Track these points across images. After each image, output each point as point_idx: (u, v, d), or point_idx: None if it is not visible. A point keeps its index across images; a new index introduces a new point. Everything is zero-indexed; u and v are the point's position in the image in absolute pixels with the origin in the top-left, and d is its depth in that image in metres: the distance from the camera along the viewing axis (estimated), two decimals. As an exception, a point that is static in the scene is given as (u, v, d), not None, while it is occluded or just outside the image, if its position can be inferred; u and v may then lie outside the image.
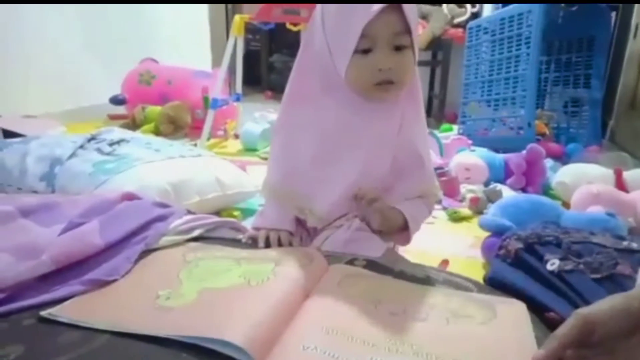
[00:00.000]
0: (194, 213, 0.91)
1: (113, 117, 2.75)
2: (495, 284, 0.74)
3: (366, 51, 0.77)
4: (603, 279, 0.67)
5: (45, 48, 2.50)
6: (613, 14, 2.46)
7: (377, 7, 0.73)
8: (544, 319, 0.64)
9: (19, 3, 2.34)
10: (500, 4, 2.60)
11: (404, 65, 0.79)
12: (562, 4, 2.26)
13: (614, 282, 0.66)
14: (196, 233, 0.84)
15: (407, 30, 0.77)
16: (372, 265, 0.73)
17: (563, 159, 1.98)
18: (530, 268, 0.74)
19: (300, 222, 0.93)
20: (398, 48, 0.77)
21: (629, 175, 1.41)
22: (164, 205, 0.88)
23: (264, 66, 4.92)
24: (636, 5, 2.49)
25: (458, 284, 0.70)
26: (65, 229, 0.70)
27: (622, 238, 0.76)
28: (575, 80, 2.33)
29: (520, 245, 0.77)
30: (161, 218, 0.81)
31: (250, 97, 4.08)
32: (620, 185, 1.36)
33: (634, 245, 0.73)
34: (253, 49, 5.43)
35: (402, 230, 0.87)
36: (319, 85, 0.84)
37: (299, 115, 0.87)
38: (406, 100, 0.85)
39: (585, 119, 2.31)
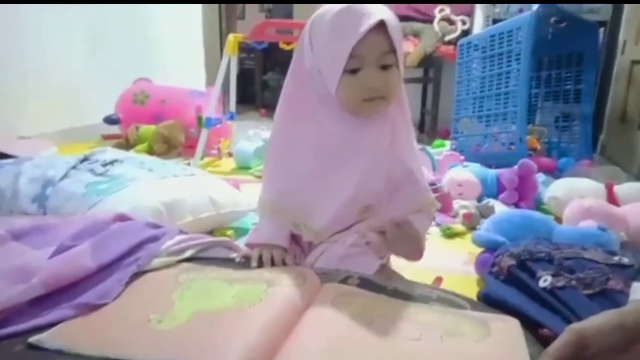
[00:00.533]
0: (186, 233, 0.90)
1: (107, 137, 2.75)
2: (489, 301, 0.75)
3: (354, 71, 0.80)
4: (595, 295, 0.67)
5: (43, 67, 2.51)
6: (601, 30, 2.50)
7: (364, 28, 0.76)
8: (538, 335, 0.64)
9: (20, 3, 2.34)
10: (491, 22, 2.65)
11: (391, 83, 0.82)
12: (552, 21, 2.29)
13: (606, 298, 0.67)
14: (188, 253, 0.84)
15: (393, 50, 0.80)
16: (365, 283, 0.73)
17: (555, 173, 2.00)
18: (523, 285, 0.74)
19: (294, 239, 0.94)
20: (384, 67, 0.81)
21: (620, 189, 1.42)
22: (156, 226, 0.88)
23: (258, 84, 4.96)
24: (623, 21, 2.54)
25: (452, 301, 0.70)
26: (56, 252, 0.70)
27: (613, 253, 0.77)
28: (566, 96, 2.36)
29: (512, 262, 0.78)
30: (153, 239, 0.81)
31: (244, 115, 4.10)
32: (612, 199, 1.37)
33: (625, 260, 0.73)
34: (247, 67, 5.47)
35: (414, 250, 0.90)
36: (310, 102, 0.87)
37: (292, 132, 0.89)
38: (395, 116, 0.88)
39: (576, 133, 2.33)
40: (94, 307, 0.62)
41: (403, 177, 0.90)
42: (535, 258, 0.76)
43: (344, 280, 0.73)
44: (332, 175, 0.86)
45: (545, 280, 0.71)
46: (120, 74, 2.90)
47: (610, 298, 0.66)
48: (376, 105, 0.83)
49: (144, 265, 0.76)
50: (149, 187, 1.28)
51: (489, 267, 0.82)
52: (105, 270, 0.71)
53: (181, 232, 0.89)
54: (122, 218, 0.88)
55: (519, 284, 0.75)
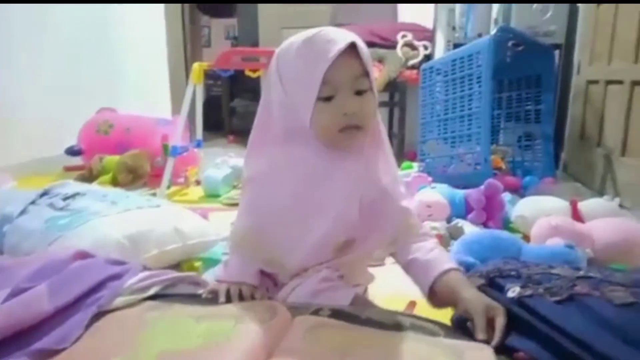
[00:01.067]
0: (150, 269, 0.87)
1: (69, 169, 2.68)
2: (462, 324, 0.74)
3: (329, 98, 0.77)
4: (563, 301, 0.67)
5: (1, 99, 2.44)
6: (557, 52, 2.59)
7: (334, 52, 0.73)
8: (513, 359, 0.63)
9: None
10: (452, 47, 2.72)
11: (368, 109, 0.80)
12: (510, 44, 2.36)
13: (574, 301, 0.66)
14: (153, 291, 0.81)
15: (366, 73, 0.78)
16: (337, 314, 0.71)
17: (520, 191, 2.03)
18: (494, 301, 0.74)
19: (265, 273, 0.91)
20: (359, 92, 0.78)
21: (584, 205, 1.45)
22: (118, 263, 0.85)
23: (226, 111, 4.94)
24: (577, 43, 2.65)
25: (425, 328, 0.69)
26: (10, 295, 0.66)
27: (579, 269, 0.78)
28: (527, 116, 2.42)
29: (482, 281, 0.78)
30: (116, 277, 0.78)
31: (213, 141, 4.07)
32: (576, 216, 1.40)
33: (590, 274, 0.74)
34: (214, 94, 5.47)
35: None
36: (282, 136, 0.84)
37: (265, 167, 0.86)
38: (370, 141, 0.86)
39: (538, 152, 2.39)
40: (51, 353, 0.59)
41: (379, 200, 0.86)
42: (504, 275, 0.76)
43: (315, 312, 0.71)
44: (306, 211, 0.84)
45: (513, 291, 0.71)
46: (84, 104, 2.85)
47: (578, 301, 0.66)
48: (352, 136, 0.80)
49: (106, 305, 0.73)
50: (111, 220, 1.24)
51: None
52: (63, 312, 0.68)
53: (145, 268, 0.86)
54: (82, 255, 0.84)
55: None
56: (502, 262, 0.81)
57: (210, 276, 1.23)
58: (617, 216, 1.37)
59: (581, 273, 0.72)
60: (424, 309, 1.08)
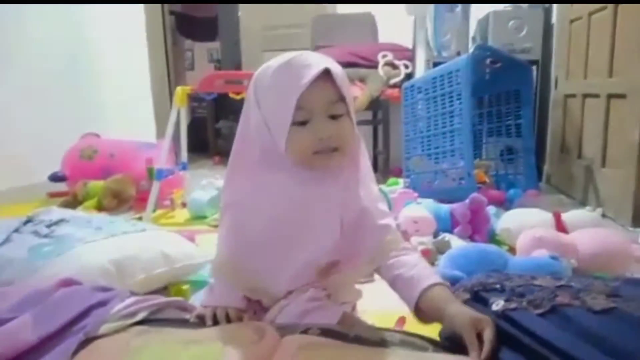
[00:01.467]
0: (137, 295, 0.87)
1: (53, 195, 2.64)
2: (450, 339, 0.74)
3: (303, 123, 0.77)
4: (546, 313, 0.68)
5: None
6: (534, 67, 2.65)
7: (308, 79, 0.74)
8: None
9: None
10: (431, 65, 2.77)
11: (343, 132, 0.80)
12: (488, 62, 2.41)
13: (557, 313, 0.67)
14: (140, 316, 0.80)
15: (341, 98, 0.78)
16: (326, 332, 0.71)
17: (505, 204, 2.06)
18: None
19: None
20: (334, 117, 0.78)
21: (567, 216, 1.47)
22: (104, 289, 0.84)
23: (211, 132, 4.94)
24: (553, 59, 2.71)
25: (414, 344, 0.69)
26: (-6, 326, 0.65)
27: (560, 278, 0.78)
28: (508, 130, 2.47)
29: (467, 296, 0.78)
30: (102, 303, 0.77)
31: (198, 163, 4.06)
32: (560, 227, 1.42)
33: (572, 283, 0.75)
34: (199, 115, 5.47)
35: None
36: (260, 160, 0.84)
37: (243, 192, 0.86)
38: (349, 162, 0.85)
39: (521, 165, 2.43)
40: (36, 384, 0.58)
41: (359, 219, 0.86)
42: (488, 289, 0.77)
43: (304, 332, 0.71)
44: (288, 235, 0.83)
45: (497, 304, 0.72)
46: (66, 130, 2.83)
47: (560, 313, 0.66)
48: (328, 157, 0.80)
49: (92, 332, 0.72)
50: (96, 246, 1.23)
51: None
52: (48, 342, 0.67)
53: (132, 293, 0.86)
54: (67, 283, 0.84)
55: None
56: (486, 276, 0.81)
57: (197, 300, 1.23)
58: (599, 226, 1.39)
59: (562, 282, 0.72)
60: (414, 325, 1.08)
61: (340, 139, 0.79)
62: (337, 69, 0.78)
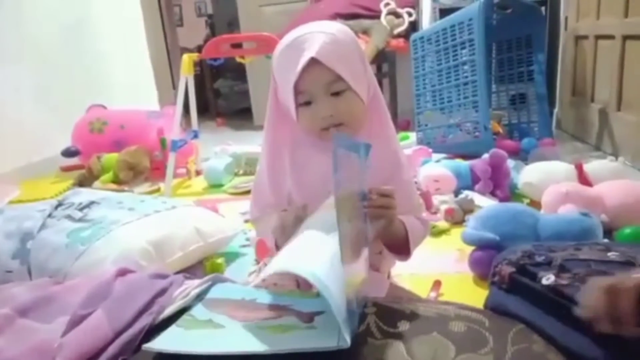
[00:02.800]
0: (191, 278, 0.89)
1: (66, 169, 2.65)
2: (495, 309, 0.78)
3: (308, 103, 0.83)
4: None
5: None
6: (542, 8, 2.59)
7: (300, 66, 0.78)
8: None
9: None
10: (437, 12, 2.71)
11: (346, 108, 0.83)
12: (496, 8, 2.36)
13: None
14: (194, 293, 0.83)
15: (339, 77, 0.81)
16: (381, 312, 0.73)
17: (520, 154, 2.07)
18: (526, 288, 0.77)
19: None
20: (335, 94, 0.82)
21: (589, 168, 1.48)
22: (161, 276, 0.86)
23: (210, 93, 4.87)
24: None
25: (469, 317, 0.72)
26: (72, 324, 0.68)
27: (606, 248, 0.80)
28: (519, 77, 2.43)
29: (512, 269, 0.80)
30: (163, 291, 0.80)
31: (201, 125, 4.01)
32: (584, 180, 1.43)
33: (619, 256, 0.77)
34: (195, 73, 5.37)
35: (402, 245, 0.91)
36: (288, 130, 0.90)
37: (275, 162, 0.93)
38: (371, 126, 0.90)
39: (533, 112, 2.41)
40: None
41: (396, 173, 0.92)
42: (534, 263, 0.79)
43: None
44: (310, 201, 0.87)
45: (548, 279, 0.74)
46: (70, 103, 2.80)
47: None
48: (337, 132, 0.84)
49: (157, 318, 0.75)
50: (133, 228, 1.25)
51: (490, 276, 0.85)
52: (121, 334, 0.70)
53: (186, 277, 0.88)
54: (123, 273, 0.86)
55: (522, 289, 0.78)
56: (530, 248, 0.83)
57: (231, 273, 1.27)
58: (622, 177, 1.41)
59: (610, 256, 0.74)
60: (449, 289, 1.13)
61: (343, 114, 0.83)
62: (330, 51, 0.79)
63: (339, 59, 0.80)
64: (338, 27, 0.84)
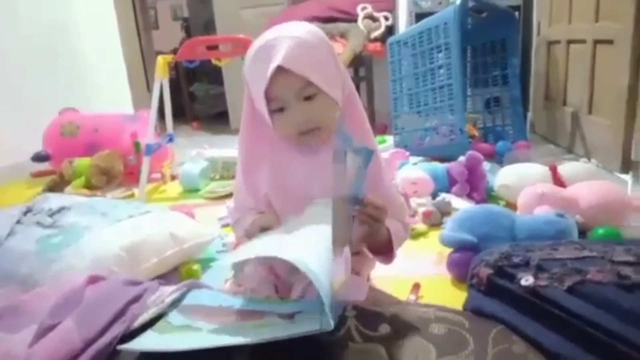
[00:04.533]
0: (166, 284, 0.87)
1: (37, 175, 2.58)
2: (475, 310, 0.78)
3: (281, 109, 0.81)
4: (576, 289, 0.71)
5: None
6: (515, 13, 2.63)
7: (268, 75, 0.77)
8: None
9: None
10: (414, 16, 2.73)
11: (320, 111, 0.82)
12: (471, 12, 2.38)
13: (588, 289, 0.70)
14: (169, 300, 0.81)
15: (310, 81, 0.79)
16: (362, 316, 0.72)
17: (495, 157, 2.09)
18: (505, 290, 0.77)
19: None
20: (307, 98, 0.81)
21: (563, 170, 1.50)
22: (133, 283, 0.84)
23: (186, 96, 4.82)
24: (535, 4, 2.69)
25: (450, 319, 0.72)
26: (39, 334, 0.65)
27: (582, 246, 0.81)
28: (494, 81, 2.46)
29: (490, 270, 0.80)
30: (136, 298, 0.78)
31: (177, 129, 3.95)
32: (558, 181, 1.45)
33: (594, 253, 0.78)
34: (170, 77, 5.30)
35: (385, 248, 0.91)
36: (264, 135, 0.89)
37: (252, 166, 0.92)
38: (353, 121, 0.89)
39: (508, 116, 2.44)
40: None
41: (368, 191, 0.90)
42: (512, 264, 0.79)
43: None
44: (288, 205, 0.88)
45: (527, 280, 0.74)
46: (43, 105, 2.73)
47: (591, 288, 0.70)
48: (312, 136, 0.84)
49: (131, 327, 0.73)
50: (105, 233, 1.22)
51: (468, 279, 0.85)
52: (92, 344, 0.67)
53: (161, 284, 0.86)
54: (94, 280, 0.83)
55: (500, 291, 0.78)
56: (507, 249, 0.83)
57: (208, 279, 1.24)
58: (595, 178, 1.43)
59: (585, 253, 0.75)
60: (428, 290, 1.12)
61: (317, 118, 0.83)
62: (294, 58, 0.77)
63: (307, 63, 0.79)
64: (306, 29, 0.82)
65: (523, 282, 0.73)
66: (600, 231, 1.18)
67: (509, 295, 0.76)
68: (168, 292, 0.83)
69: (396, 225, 0.93)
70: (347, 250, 0.76)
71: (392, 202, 0.94)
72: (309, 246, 0.66)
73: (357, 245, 0.97)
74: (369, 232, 0.85)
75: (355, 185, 0.77)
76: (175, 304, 0.80)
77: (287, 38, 0.78)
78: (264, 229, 0.83)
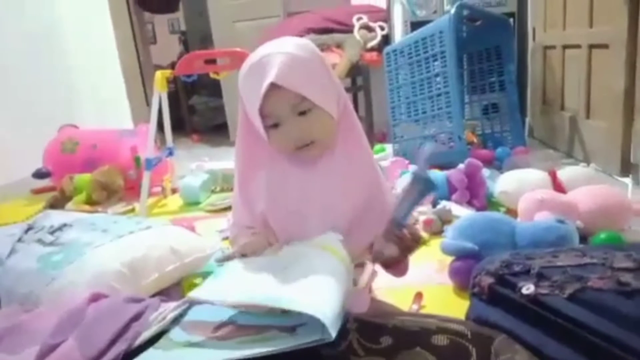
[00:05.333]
0: (167, 301, 0.87)
1: (37, 192, 2.59)
2: (477, 319, 0.78)
3: (276, 125, 0.81)
4: (577, 295, 0.71)
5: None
6: (511, 20, 2.64)
7: (261, 92, 0.77)
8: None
9: None
10: (409, 26, 2.74)
11: (315, 126, 0.82)
12: (465, 20, 2.40)
13: (589, 296, 0.70)
14: (171, 317, 0.81)
15: (304, 97, 0.79)
16: (363, 328, 0.72)
17: (494, 163, 2.09)
18: (507, 299, 0.77)
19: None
20: (302, 113, 0.81)
21: (562, 175, 1.51)
22: (135, 300, 0.84)
23: (185, 109, 4.83)
24: (529, 10, 2.71)
25: (452, 330, 0.71)
26: (41, 355, 0.65)
27: (582, 253, 0.81)
28: (491, 88, 2.47)
29: (491, 279, 0.80)
30: (138, 316, 0.78)
31: (176, 142, 3.96)
32: (558, 186, 1.45)
33: (595, 260, 0.78)
34: (169, 90, 5.32)
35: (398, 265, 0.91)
36: (260, 149, 0.89)
37: (249, 181, 0.91)
38: (346, 143, 0.89)
39: (506, 121, 2.45)
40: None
41: (366, 203, 0.91)
42: (513, 272, 0.79)
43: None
44: (284, 221, 0.88)
45: (528, 289, 0.74)
46: (43, 123, 2.74)
47: (592, 296, 0.70)
48: (308, 151, 0.84)
49: (133, 345, 0.72)
50: (106, 250, 1.21)
51: (470, 288, 0.85)
52: (95, 363, 0.67)
53: (162, 300, 0.86)
54: (95, 298, 0.83)
55: (502, 300, 0.78)
56: (508, 257, 0.83)
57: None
58: (595, 182, 1.43)
59: (586, 260, 0.75)
60: (431, 298, 1.12)
61: (313, 132, 0.82)
62: (287, 75, 0.77)
63: (300, 79, 0.79)
64: (297, 44, 0.82)
65: (524, 291, 0.72)
66: (602, 236, 1.18)
67: (510, 304, 0.76)
68: (170, 309, 0.83)
69: None
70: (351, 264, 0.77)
71: (390, 213, 0.94)
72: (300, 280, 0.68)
73: (360, 257, 0.98)
74: (391, 257, 0.85)
75: (405, 210, 0.78)
76: (177, 320, 0.80)
77: (279, 54, 0.78)
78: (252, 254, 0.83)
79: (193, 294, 0.70)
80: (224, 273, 0.78)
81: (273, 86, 0.76)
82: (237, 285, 0.73)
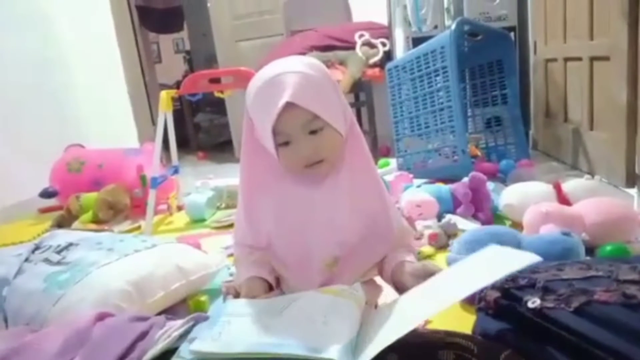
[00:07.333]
0: (173, 319, 0.87)
1: (44, 211, 2.61)
2: (484, 334, 0.77)
3: (286, 143, 0.83)
4: (583, 310, 0.70)
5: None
6: (512, 34, 2.66)
7: (275, 111, 0.78)
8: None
9: None
10: (411, 42, 2.77)
11: (326, 144, 0.84)
12: (466, 35, 2.42)
13: (593, 309, 0.70)
14: (177, 334, 0.81)
15: (316, 115, 0.81)
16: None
17: (498, 176, 2.09)
18: (512, 313, 0.77)
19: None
20: (313, 132, 0.82)
21: (567, 187, 1.50)
22: (140, 319, 0.84)
23: (190, 127, 4.87)
24: (530, 24, 2.73)
25: (458, 345, 0.71)
26: (47, 376, 0.66)
27: (588, 266, 0.81)
28: (494, 101, 2.48)
29: (497, 294, 0.80)
30: (143, 335, 0.78)
31: (182, 160, 3.99)
32: (563, 199, 1.45)
33: (600, 273, 0.77)
34: (175, 108, 5.38)
35: None
36: (265, 168, 0.91)
37: (253, 201, 0.93)
38: (352, 161, 0.90)
39: (509, 134, 2.45)
40: None
41: (371, 220, 0.92)
42: (518, 286, 0.79)
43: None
44: (307, 237, 0.89)
45: (534, 302, 0.74)
46: (49, 143, 2.77)
47: (598, 309, 0.69)
48: (317, 169, 0.85)
49: (139, 363, 0.73)
50: (112, 269, 1.22)
51: (476, 302, 0.85)
52: (101, 383, 0.67)
53: (168, 318, 0.86)
54: (101, 317, 0.83)
55: (508, 313, 0.78)
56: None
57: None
58: (600, 194, 1.43)
59: (591, 273, 0.75)
60: (438, 318, 1.11)
61: (322, 152, 0.84)
62: (302, 94, 0.79)
63: (313, 98, 0.81)
64: (308, 63, 0.84)
65: (530, 305, 0.72)
66: (608, 248, 1.17)
67: (516, 318, 0.76)
68: (175, 327, 0.83)
69: (410, 257, 0.94)
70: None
71: (401, 239, 0.95)
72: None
73: (367, 275, 0.98)
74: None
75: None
76: (184, 337, 0.80)
77: (292, 74, 0.80)
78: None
79: (196, 346, 0.70)
80: (227, 318, 0.77)
81: (287, 105, 0.78)
82: (241, 334, 0.72)
